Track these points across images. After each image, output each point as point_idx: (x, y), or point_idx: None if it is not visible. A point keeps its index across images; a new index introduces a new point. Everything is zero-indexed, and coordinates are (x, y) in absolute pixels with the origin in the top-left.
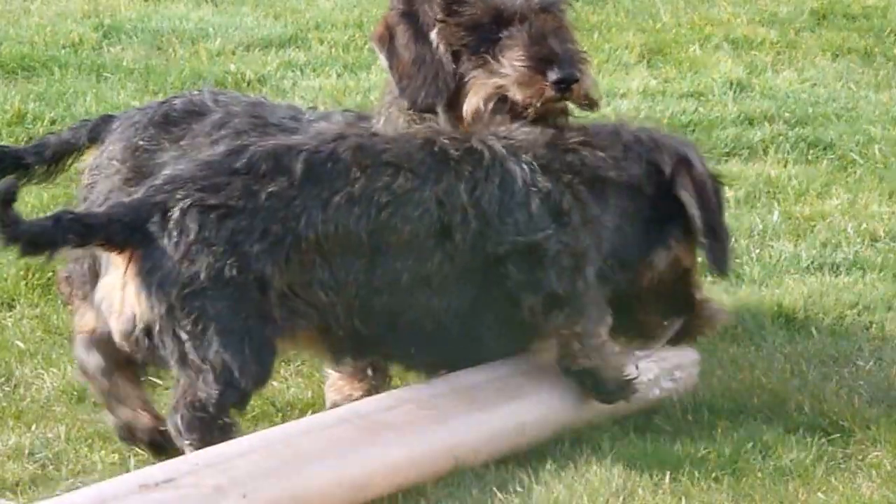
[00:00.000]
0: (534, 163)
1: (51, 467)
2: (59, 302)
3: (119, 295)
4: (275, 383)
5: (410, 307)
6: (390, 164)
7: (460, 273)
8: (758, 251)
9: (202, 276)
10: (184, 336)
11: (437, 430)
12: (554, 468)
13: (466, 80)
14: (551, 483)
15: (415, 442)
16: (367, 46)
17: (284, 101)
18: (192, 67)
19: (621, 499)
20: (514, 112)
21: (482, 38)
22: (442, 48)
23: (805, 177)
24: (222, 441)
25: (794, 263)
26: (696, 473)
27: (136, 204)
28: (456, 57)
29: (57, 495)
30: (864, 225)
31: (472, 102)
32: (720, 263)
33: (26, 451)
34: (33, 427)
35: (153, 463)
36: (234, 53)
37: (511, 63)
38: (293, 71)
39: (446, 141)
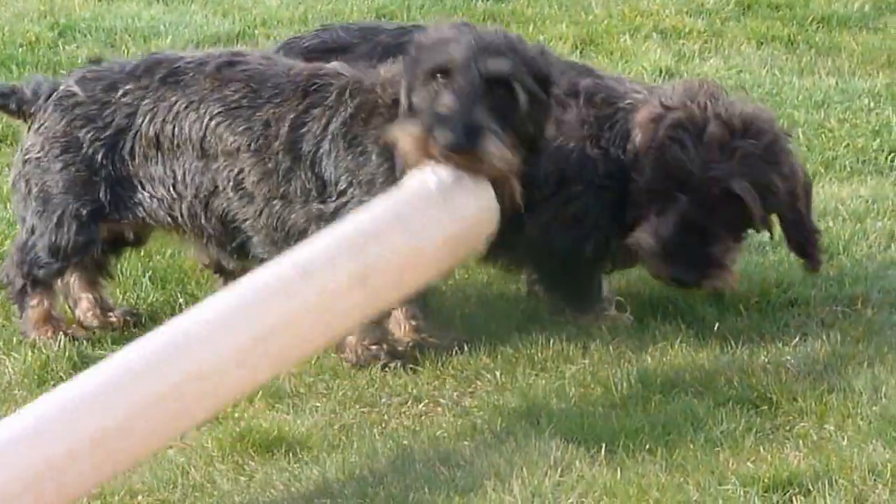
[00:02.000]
0: (354, 112)
1: None
2: None
3: None
4: None
5: (245, 217)
6: (241, 81)
7: (280, 196)
8: None
9: (36, 147)
10: (18, 197)
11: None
12: (494, 442)
13: None
14: (492, 456)
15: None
16: None
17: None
18: None
19: (559, 470)
20: None
21: (653, 197)
22: None
23: None
24: (27, 305)
25: None
26: (631, 445)
27: (45, 82)
28: None
29: None
30: None
31: None
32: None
33: None
34: None
35: None
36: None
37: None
38: None
39: (334, 81)
